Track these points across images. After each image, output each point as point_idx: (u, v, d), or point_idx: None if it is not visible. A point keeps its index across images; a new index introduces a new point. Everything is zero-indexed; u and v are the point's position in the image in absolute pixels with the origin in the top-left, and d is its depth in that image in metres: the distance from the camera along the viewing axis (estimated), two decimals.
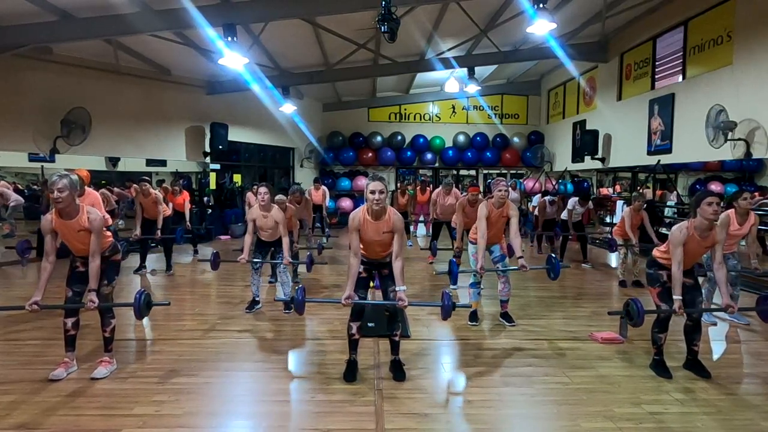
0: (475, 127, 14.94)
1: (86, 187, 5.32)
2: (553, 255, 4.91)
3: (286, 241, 5.04)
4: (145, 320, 4.92)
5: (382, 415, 2.98)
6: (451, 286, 6.21)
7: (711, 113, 7.46)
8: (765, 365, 3.93)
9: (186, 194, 8.83)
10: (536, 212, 9.55)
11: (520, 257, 4.54)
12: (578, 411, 3.05)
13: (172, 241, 7.34)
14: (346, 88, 13.51)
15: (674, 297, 3.43)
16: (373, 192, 3.30)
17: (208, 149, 11.33)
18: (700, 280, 3.91)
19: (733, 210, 4.68)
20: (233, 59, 7.21)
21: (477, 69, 11.02)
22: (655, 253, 3.75)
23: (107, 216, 3.56)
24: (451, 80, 12.27)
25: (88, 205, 3.53)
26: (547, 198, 9.27)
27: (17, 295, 5.82)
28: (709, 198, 3.34)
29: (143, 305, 3.49)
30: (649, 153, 9.38)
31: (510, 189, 4.84)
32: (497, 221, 4.73)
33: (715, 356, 4.16)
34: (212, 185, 12.44)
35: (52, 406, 3.04)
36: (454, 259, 5.17)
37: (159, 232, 7.11)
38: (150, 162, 11.46)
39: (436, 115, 15.16)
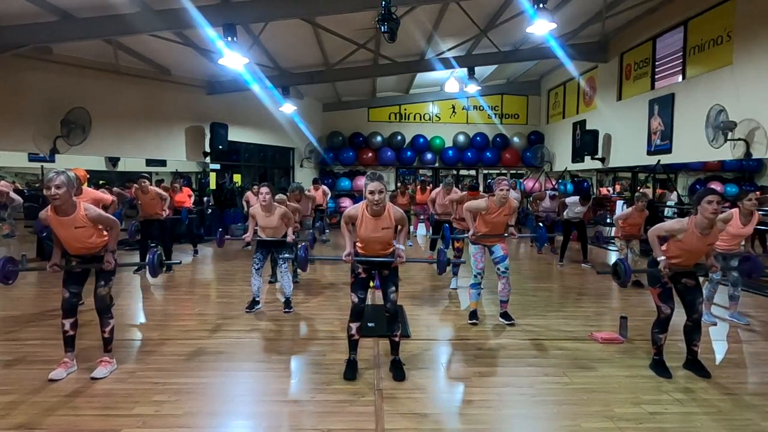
0: (475, 127, 14.94)
1: (85, 187, 5.34)
2: (541, 225, 5.03)
3: (290, 229, 5.16)
4: (145, 320, 4.93)
5: (382, 415, 2.98)
6: (452, 286, 6.24)
7: (711, 113, 7.46)
8: (765, 365, 3.94)
9: (187, 190, 8.87)
10: (532, 200, 9.54)
11: (511, 225, 4.68)
12: (578, 411, 3.05)
13: (172, 241, 7.35)
14: (346, 88, 13.51)
15: (658, 258, 3.54)
16: (372, 192, 3.30)
17: (208, 149, 11.33)
18: (701, 280, 3.91)
19: (737, 209, 4.68)
20: (233, 59, 7.21)
21: (477, 69, 11.02)
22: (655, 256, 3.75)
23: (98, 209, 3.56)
24: (451, 80, 12.27)
25: (85, 203, 3.53)
26: (548, 191, 9.27)
27: (17, 294, 5.81)
28: (710, 196, 3.35)
29: (156, 263, 3.74)
30: (649, 153, 9.38)
31: (510, 188, 4.86)
32: (497, 218, 4.74)
33: (715, 356, 4.16)
34: (212, 185, 12.45)
35: (51, 406, 3.04)
36: (447, 225, 5.25)
37: (164, 213, 7.16)
38: (150, 162, 11.45)
39: (436, 115, 15.16)
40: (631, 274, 3.64)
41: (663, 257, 3.52)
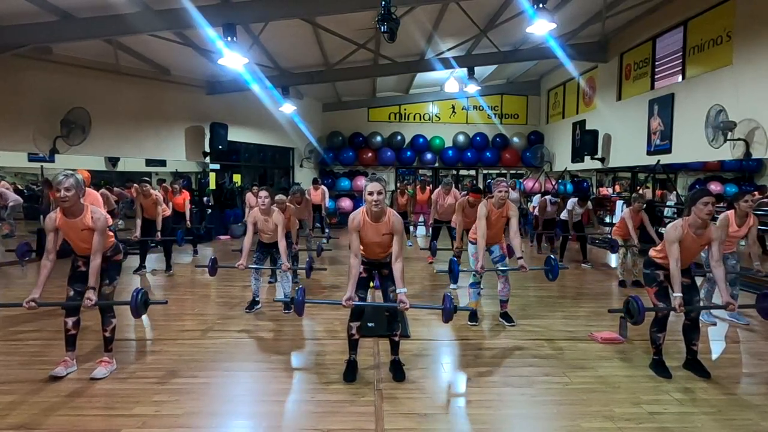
0: (474, 127, 14.94)
1: (87, 187, 5.33)
2: (552, 256, 4.92)
3: (282, 246, 5.03)
4: (145, 320, 4.93)
5: (381, 415, 2.98)
6: (452, 286, 6.22)
7: (710, 113, 7.46)
8: (765, 365, 3.94)
9: (186, 194, 8.85)
10: (536, 212, 9.55)
11: (520, 258, 4.55)
12: (578, 411, 3.06)
13: (172, 241, 7.35)
14: (346, 88, 13.51)
15: (674, 294, 3.41)
16: (371, 193, 3.29)
17: (207, 149, 11.33)
18: (699, 280, 3.91)
19: (732, 211, 4.68)
20: (233, 59, 7.22)
21: (477, 69, 11.03)
22: (651, 253, 3.76)
23: (107, 216, 3.55)
24: (451, 80, 12.27)
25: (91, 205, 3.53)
26: (548, 198, 9.27)
27: (17, 295, 5.81)
28: (705, 198, 3.34)
29: (140, 304, 3.45)
30: (649, 153, 9.38)
31: (510, 189, 4.85)
32: (497, 221, 4.74)
33: (715, 356, 4.16)
34: (212, 185, 12.45)
35: (51, 406, 3.04)
36: (455, 259, 5.17)
37: (159, 234, 7.10)
38: (150, 162, 11.47)
39: (436, 115, 15.16)
40: (644, 312, 3.41)
41: (679, 294, 3.39)
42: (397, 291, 3.36)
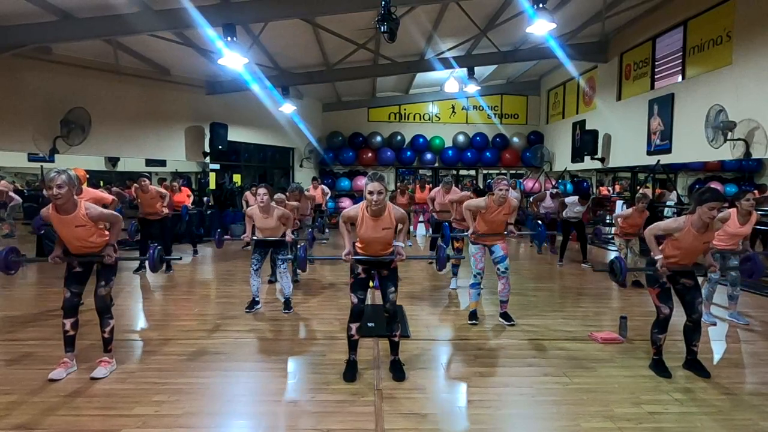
0: (474, 127, 14.94)
1: (85, 187, 5.35)
2: (540, 222, 5.02)
3: (289, 230, 5.14)
4: (145, 320, 4.93)
5: (381, 416, 2.98)
6: (452, 286, 6.25)
7: (710, 113, 7.46)
8: (764, 365, 3.94)
9: (186, 190, 8.88)
10: (532, 201, 9.54)
11: (510, 223, 4.69)
12: (578, 411, 3.06)
13: (172, 241, 7.35)
14: (346, 88, 13.51)
15: (655, 257, 3.54)
16: (371, 192, 3.29)
17: (207, 149, 11.33)
18: (700, 280, 3.91)
19: (735, 209, 4.68)
20: (233, 59, 7.21)
21: (477, 69, 11.02)
22: (653, 255, 3.76)
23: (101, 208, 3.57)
24: (451, 80, 12.27)
25: (86, 201, 3.53)
26: (548, 191, 9.27)
27: (17, 295, 5.81)
28: (713, 203, 3.28)
29: (157, 259, 3.73)
30: (649, 153, 9.38)
31: (510, 188, 4.87)
32: (497, 217, 4.75)
33: (715, 356, 4.16)
34: (212, 185, 12.45)
35: (51, 407, 3.04)
36: (446, 224, 5.26)
37: (165, 210, 7.17)
38: (150, 162, 11.46)
39: (436, 115, 15.16)
40: (627, 272, 3.67)
41: (660, 256, 3.52)
42: (396, 243, 3.54)
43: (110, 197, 5.52)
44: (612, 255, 8.77)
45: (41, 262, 3.58)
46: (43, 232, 4.78)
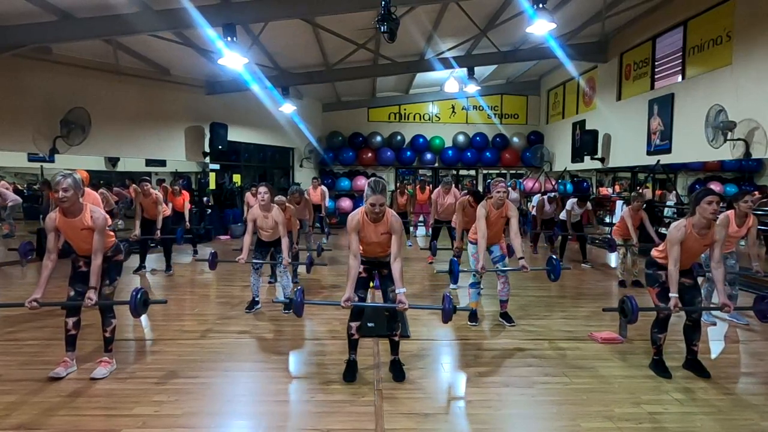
0: (474, 127, 14.94)
1: (85, 188, 5.33)
2: (554, 256, 4.92)
3: (285, 242, 5.03)
4: (145, 320, 4.93)
5: (381, 415, 2.98)
6: (452, 286, 6.23)
7: (710, 113, 7.46)
8: (764, 365, 3.94)
9: (186, 194, 8.85)
10: (534, 211, 9.55)
11: (521, 258, 4.55)
12: (578, 411, 3.06)
13: (172, 241, 7.35)
14: (346, 88, 13.51)
15: (670, 295, 3.43)
16: (373, 205, 3.29)
17: (207, 149, 11.33)
18: (699, 280, 3.91)
19: (732, 211, 4.68)
20: (233, 59, 7.21)
21: (476, 69, 11.02)
22: (654, 253, 3.75)
23: (107, 216, 3.56)
24: (451, 80, 12.27)
25: (93, 206, 3.53)
26: (545, 196, 9.28)
27: (17, 295, 5.81)
28: (710, 197, 3.34)
29: (140, 303, 3.44)
30: (649, 153, 9.38)
31: (510, 189, 4.84)
32: (496, 221, 4.74)
33: (715, 356, 4.16)
34: (212, 185, 12.44)
35: (51, 407, 3.04)
36: (455, 259, 5.17)
37: (159, 232, 7.10)
38: (149, 162, 11.47)
39: (436, 115, 15.16)
40: (638, 312, 3.46)
41: (675, 294, 3.41)
42: (396, 291, 3.36)
43: (101, 205, 5.44)
44: (613, 256, 8.76)
45: (18, 306, 3.45)
46: (29, 258, 4.79)
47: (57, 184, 3.23)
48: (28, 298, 3.27)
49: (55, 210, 3.40)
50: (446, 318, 3.37)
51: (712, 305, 4.81)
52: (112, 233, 3.63)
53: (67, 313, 3.52)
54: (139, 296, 3.43)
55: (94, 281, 3.38)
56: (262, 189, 5.06)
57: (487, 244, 4.81)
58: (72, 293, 3.51)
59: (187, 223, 8.50)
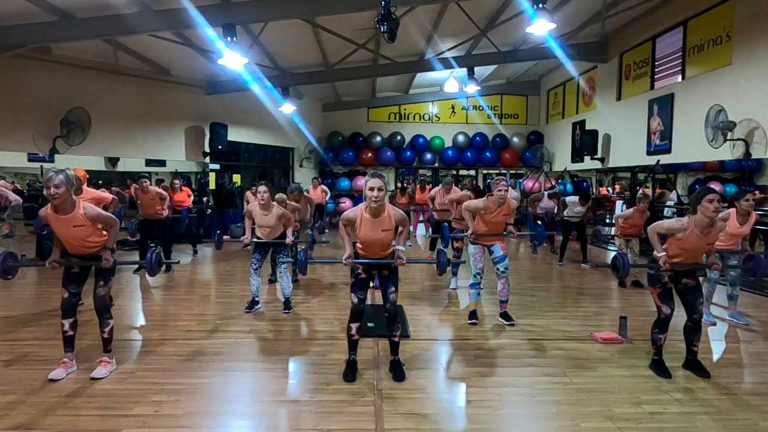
0: (474, 127, 14.94)
1: (85, 186, 5.35)
2: (539, 223, 5.03)
3: (290, 230, 5.11)
4: (145, 320, 4.93)
5: (381, 416, 2.98)
6: (451, 286, 6.26)
7: (710, 113, 7.46)
8: (764, 365, 3.94)
9: (187, 190, 8.88)
10: (533, 207, 9.55)
11: (510, 224, 4.74)
12: (578, 411, 3.06)
13: (172, 241, 7.35)
14: (346, 88, 13.51)
15: (658, 254, 3.52)
16: (371, 189, 3.30)
17: (207, 149, 11.33)
18: (700, 279, 3.91)
19: (734, 209, 4.69)
20: (233, 59, 7.21)
21: (476, 69, 11.02)
22: (656, 253, 3.75)
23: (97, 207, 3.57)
24: (451, 80, 12.26)
25: (85, 201, 3.53)
26: (545, 191, 9.28)
27: (17, 294, 5.81)
28: (710, 195, 3.35)
29: (154, 262, 3.76)
30: (649, 153, 9.38)
31: (510, 188, 4.87)
32: (496, 218, 4.75)
33: (715, 356, 4.16)
34: (212, 185, 12.44)
35: (51, 407, 3.04)
36: (446, 225, 5.28)
37: (165, 211, 7.16)
38: (149, 162, 11.45)
39: (436, 115, 15.16)
40: (629, 268, 3.67)
41: (663, 253, 3.52)
42: (396, 247, 3.52)
43: (110, 196, 5.53)
44: (612, 255, 8.77)
45: (39, 266, 3.54)
46: (45, 232, 4.76)
47: (48, 180, 3.22)
48: (48, 260, 3.47)
49: (46, 206, 3.39)
50: (441, 270, 3.77)
51: (712, 302, 4.83)
52: (104, 233, 3.58)
53: (63, 315, 3.52)
54: (153, 257, 3.77)
55: (111, 243, 3.53)
56: (262, 188, 5.07)
57: (488, 244, 4.85)
58: (66, 295, 3.51)
59: (190, 206, 8.57)
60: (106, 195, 5.45)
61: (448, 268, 4.98)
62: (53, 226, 3.40)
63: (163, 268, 7.36)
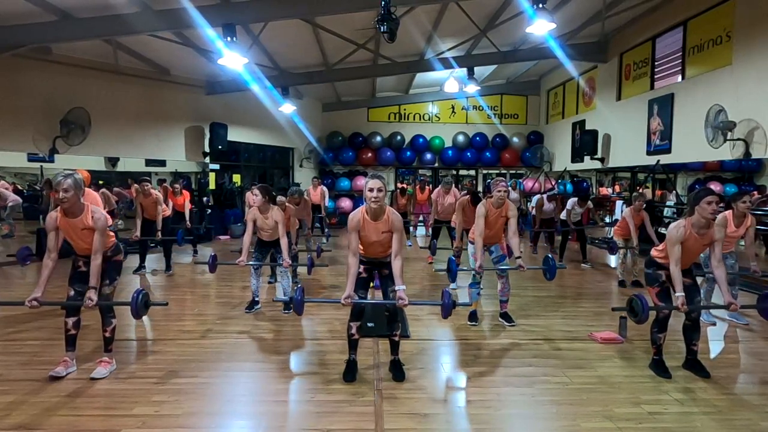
0: (474, 127, 14.94)
1: (86, 188, 5.34)
2: (550, 255, 4.93)
3: (284, 242, 5.03)
4: (145, 320, 4.93)
5: (381, 415, 2.98)
6: (451, 285, 6.23)
7: (710, 113, 7.46)
8: (764, 365, 3.94)
9: (186, 194, 8.86)
10: (534, 211, 9.56)
11: (518, 257, 4.56)
12: (578, 411, 3.06)
13: (172, 241, 7.35)
14: (346, 88, 13.51)
15: (677, 294, 3.42)
16: (371, 190, 3.29)
17: (207, 149, 11.33)
18: (699, 280, 3.91)
19: (730, 211, 4.68)
20: (233, 59, 7.21)
21: (476, 69, 11.02)
22: (653, 252, 3.75)
23: (107, 216, 3.56)
24: (451, 80, 12.26)
25: (94, 206, 3.53)
26: (545, 194, 9.28)
27: (17, 295, 5.81)
28: (709, 197, 3.35)
29: (140, 305, 3.45)
30: (649, 153, 9.38)
31: (510, 189, 4.85)
32: (496, 221, 4.74)
33: (715, 356, 4.17)
34: (212, 185, 12.44)
35: (51, 407, 3.04)
36: (453, 258, 5.18)
37: (159, 233, 7.10)
38: (149, 162, 11.47)
39: (436, 115, 15.16)
40: (648, 311, 3.40)
41: (681, 293, 3.39)
42: (396, 288, 3.37)
43: (102, 205, 5.47)
44: (612, 256, 8.76)
45: (19, 305, 3.46)
46: (28, 263, 4.76)
47: (58, 184, 3.25)
48: (28, 297, 3.29)
49: (56, 209, 3.41)
50: (446, 313, 3.39)
51: (713, 304, 4.82)
52: (112, 234, 3.63)
53: (67, 313, 3.52)
54: (140, 298, 3.43)
55: (94, 281, 3.37)
56: (255, 191, 5.07)
57: (488, 244, 4.82)
58: (72, 293, 3.51)
59: (188, 223, 8.50)
60: (99, 201, 5.38)
61: (445, 267, 4.97)
62: (62, 228, 3.40)
63: (164, 268, 7.39)
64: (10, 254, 5.64)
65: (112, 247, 3.62)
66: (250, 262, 5.20)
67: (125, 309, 3.46)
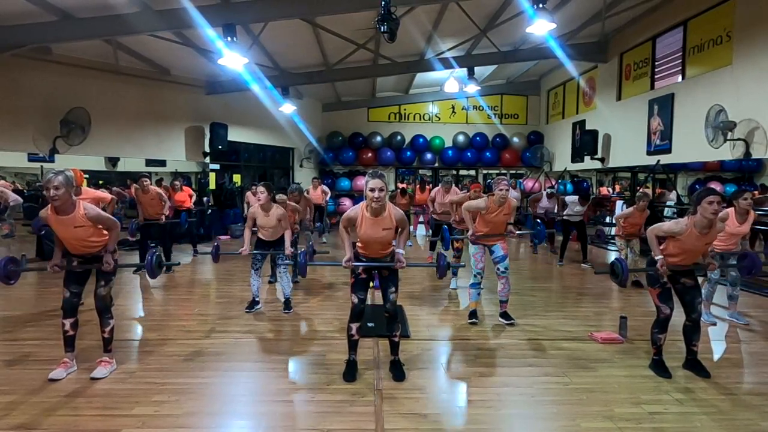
0: (474, 127, 14.94)
1: (85, 187, 5.36)
2: (538, 220, 5.04)
3: (288, 234, 5.07)
4: (145, 320, 4.93)
5: (381, 416, 2.98)
6: (452, 286, 6.26)
7: (710, 113, 7.46)
8: (764, 365, 3.94)
9: (188, 189, 8.87)
10: (530, 207, 9.55)
11: (510, 224, 4.75)
12: (578, 411, 3.06)
13: (172, 242, 7.35)
14: (346, 88, 13.51)
15: (656, 257, 3.54)
16: (372, 190, 3.30)
17: (207, 149, 11.33)
18: (699, 280, 3.91)
19: (732, 209, 4.69)
20: (233, 59, 7.21)
21: (476, 69, 11.02)
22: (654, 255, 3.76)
23: (97, 208, 3.57)
24: (451, 80, 12.26)
25: (85, 202, 3.53)
26: (545, 191, 9.28)
27: (17, 294, 5.81)
28: (711, 197, 3.35)
29: (155, 264, 3.73)
30: (649, 153, 9.38)
31: (510, 188, 4.88)
32: (497, 218, 4.75)
33: (715, 356, 4.16)
34: (212, 185, 12.44)
35: (51, 407, 3.04)
36: (446, 227, 5.28)
37: (163, 217, 7.14)
38: (149, 162, 11.45)
39: (436, 115, 15.15)
40: (628, 273, 3.66)
41: (661, 256, 3.53)
42: (396, 250, 3.52)
43: (109, 196, 5.53)
44: (613, 255, 8.77)
45: (41, 270, 3.55)
46: (43, 232, 4.75)
47: (48, 181, 3.23)
48: (49, 264, 3.48)
49: (47, 207, 3.39)
50: (441, 274, 3.76)
51: (711, 302, 4.83)
52: (105, 232, 3.58)
53: (64, 314, 3.52)
54: (154, 259, 3.73)
55: (111, 245, 3.53)
56: (260, 189, 5.07)
57: (489, 244, 4.85)
58: (67, 294, 3.52)
59: (191, 207, 8.54)
60: (105, 195, 5.46)
61: (448, 270, 4.98)
62: (54, 227, 3.40)
63: (163, 269, 7.37)
64: (27, 222, 5.64)
65: (105, 247, 3.59)
66: (253, 261, 5.22)
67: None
